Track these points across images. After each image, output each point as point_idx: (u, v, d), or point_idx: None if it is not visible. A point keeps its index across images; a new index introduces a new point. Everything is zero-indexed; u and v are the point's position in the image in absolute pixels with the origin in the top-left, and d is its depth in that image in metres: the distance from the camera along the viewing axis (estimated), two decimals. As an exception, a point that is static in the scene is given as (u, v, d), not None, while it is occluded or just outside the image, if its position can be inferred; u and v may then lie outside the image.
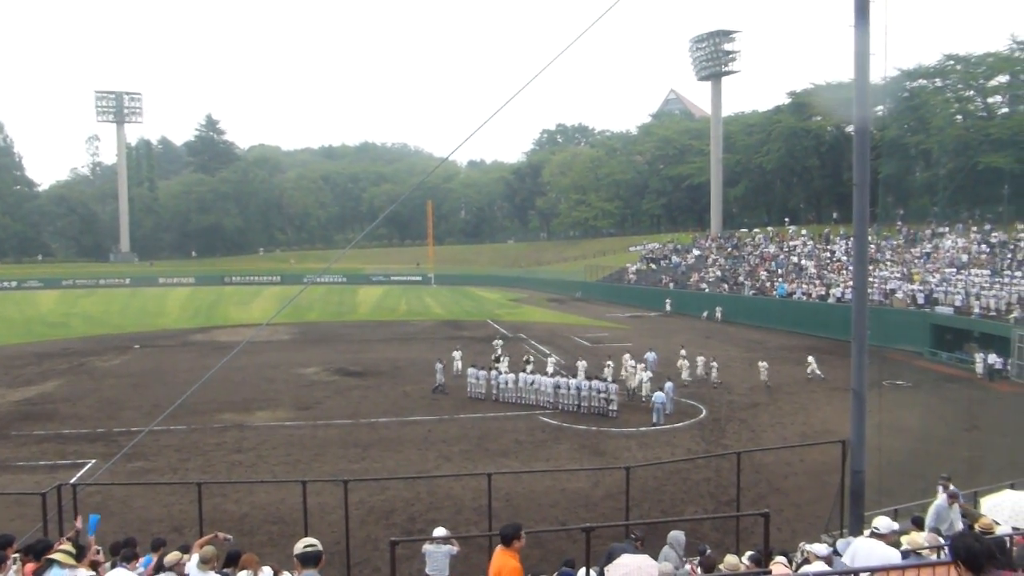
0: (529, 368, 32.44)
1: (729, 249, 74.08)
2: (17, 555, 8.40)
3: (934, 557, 7.90)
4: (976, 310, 40.12)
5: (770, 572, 8.64)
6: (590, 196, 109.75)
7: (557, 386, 29.51)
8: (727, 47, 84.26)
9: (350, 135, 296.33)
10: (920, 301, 44.19)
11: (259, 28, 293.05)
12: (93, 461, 22.21)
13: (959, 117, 67.48)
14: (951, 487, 13.02)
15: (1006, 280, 42.42)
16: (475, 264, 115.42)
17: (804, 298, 53.34)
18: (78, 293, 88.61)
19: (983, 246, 50.25)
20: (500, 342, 41.58)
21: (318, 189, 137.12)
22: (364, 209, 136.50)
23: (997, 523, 8.48)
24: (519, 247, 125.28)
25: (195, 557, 8.87)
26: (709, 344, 45.67)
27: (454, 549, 13.05)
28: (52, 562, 7.31)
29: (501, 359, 35.40)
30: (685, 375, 33.79)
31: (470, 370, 32.13)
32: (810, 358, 36.23)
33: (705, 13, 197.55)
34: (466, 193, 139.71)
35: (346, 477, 15.94)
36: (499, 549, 7.26)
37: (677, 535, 10.60)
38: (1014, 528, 8.15)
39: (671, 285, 70.09)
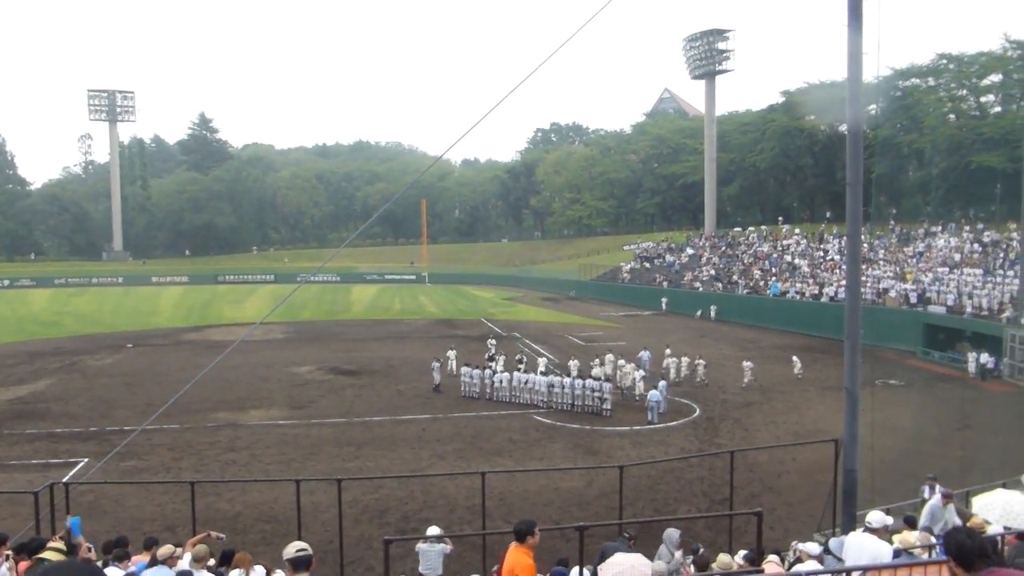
0: (522, 367, 32.48)
1: (723, 248, 74.21)
2: (9, 553, 8.38)
3: (926, 556, 7.93)
4: (968, 309, 40.28)
5: (763, 571, 8.67)
6: (584, 195, 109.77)
7: (551, 385, 29.53)
8: (721, 46, 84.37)
9: (344, 134, 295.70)
10: (913, 300, 44.34)
11: (252, 26, 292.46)
12: (86, 460, 22.14)
13: (952, 116, 67.68)
14: (937, 487, 13.10)
15: (998, 279, 42.56)
16: (469, 263, 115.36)
17: (797, 297, 53.48)
18: (71, 292, 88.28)
19: (975, 245, 50.41)
20: (494, 341, 41.60)
21: (312, 188, 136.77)
22: (358, 208, 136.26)
23: (988, 522, 8.52)
24: (513, 246, 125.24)
25: (187, 556, 8.86)
26: (703, 343, 45.77)
27: (448, 548, 13.06)
28: (43, 561, 7.30)
29: (496, 358, 35.41)
30: (673, 374, 33.78)
31: (464, 369, 32.13)
32: (794, 358, 36.37)
33: (699, 12, 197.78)
34: (460, 192, 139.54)
35: (340, 476, 15.92)
36: (513, 546, 7.27)
37: (671, 532, 10.63)
38: (1005, 527, 8.18)
39: (665, 284, 70.17)
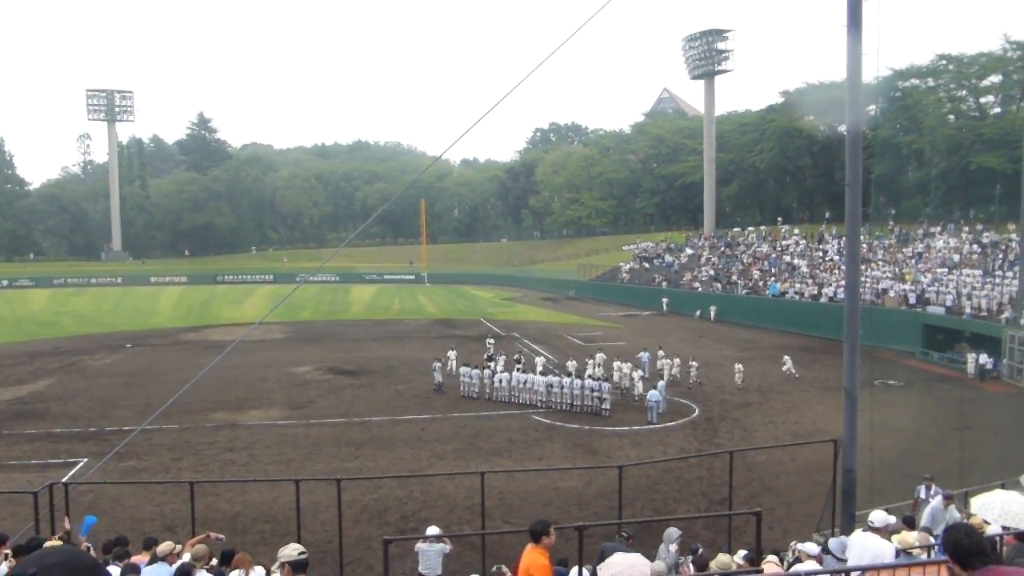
0: (518, 368, 32.48)
1: (722, 248, 74.22)
2: (8, 552, 8.38)
3: (924, 556, 7.93)
4: (967, 310, 40.30)
5: (762, 571, 8.67)
6: (583, 195, 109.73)
7: (550, 385, 29.53)
8: (720, 46, 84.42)
9: (343, 134, 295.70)
10: (912, 301, 44.36)
11: (251, 26, 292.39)
12: (85, 460, 22.14)
13: (951, 117, 67.72)
14: (935, 488, 13.12)
15: (997, 280, 42.59)
16: (468, 263, 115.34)
17: (797, 297, 53.48)
18: (69, 292, 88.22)
19: (975, 246, 50.45)
20: (492, 341, 41.58)
21: (311, 188, 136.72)
22: (357, 208, 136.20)
23: (987, 522, 8.51)
24: (512, 246, 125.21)
25: (187, 556, 8.87)
26: (702, 343, 45.84)
27: (447, 548, 13.07)
28: None
29: (495, 358, 35.40)
30: (666, 375, 33.66)
31: (463, 369, 32.14)
32: (785, 357, 36.38)
33: (698, 12, 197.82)
34: (459, 192, 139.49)
35: (339, 476, 15.93)
36: (529, 547, 7.28)
37: (671, 531, 10.66)
38: (1004, 527, 8.18)
39: (664, 284, 70.15)
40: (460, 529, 16.74)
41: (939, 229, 56.43)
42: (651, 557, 9.18)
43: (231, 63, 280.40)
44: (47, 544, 7.58)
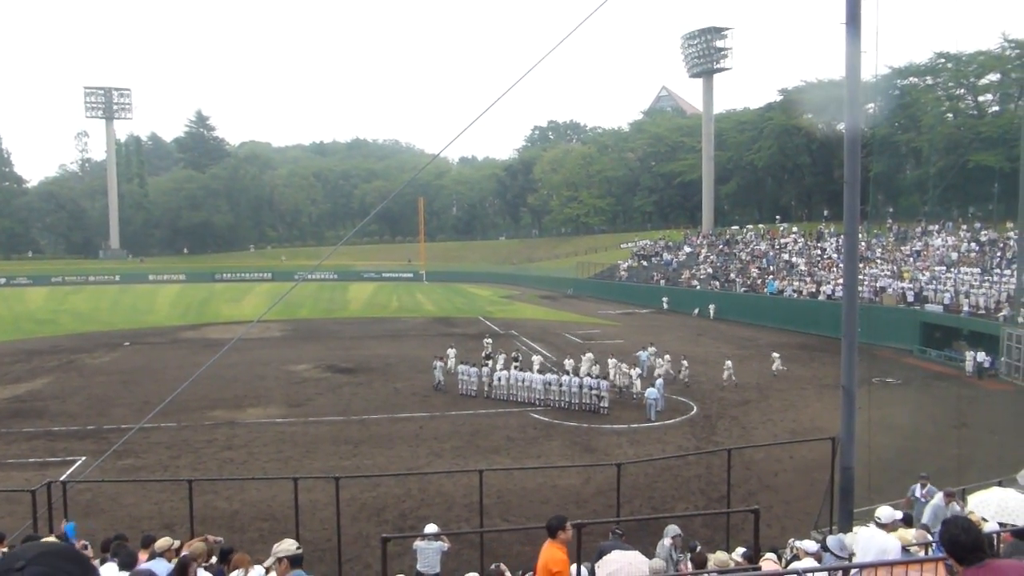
0: (515, 366, 32.47)
1: (720, 246, 74.24)
2: (6, 551, 8.37)
3: (922, 554, 7.95)
4: (965, 308, 40.34)
5: (760, 568, 8.69)
6: (582, 193, 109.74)
7: (548, 383, 29.53)
8: (719, 44, 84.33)
9: (341, 132, 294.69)
10: (910, 299, 44.40)
11: (250, 24, 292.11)
12: (83, 458, 22.13)
13: (950, 115, 67.75)
14: (930, 486, 13.12)
15: (995, 278, 42.66)
16: (467, 261, 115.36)
17: (795, 295, 53.53)
18: (67, 290, 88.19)
19: (973, 244, 50.53)
20: (490, 340, 41.52)
21: (309, 186, 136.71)
22: (355, 206, 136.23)
23: (985, 519, 8.54)
24: (511, 244, 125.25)
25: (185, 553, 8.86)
26: (700, 341, 45.91)
27: (445, 545, 13.09)
28: None
29: (494, 356, 35.39)
30: (657, 372, 33.58)
31: (461, 367, 32.12)
32: (775, 354, 36.41)
33: (697, 10, 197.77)
34: (458, 190, 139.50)
35: (337, 474, 15.94)
36: (547, 542, 7.36)
37: (670, 527, 10.67)
38: (1000, 524, 8.20)
39: (662, 282, 70.16)
40: (458, 527, 16.75)
41: (937, 227, 56.51)
42: (649, 555, 9.20)
43: (229, 61, 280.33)
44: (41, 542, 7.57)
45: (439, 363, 32.80)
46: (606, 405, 28.21)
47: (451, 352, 36.15)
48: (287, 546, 6.62)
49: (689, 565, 9.94)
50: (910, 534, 8.92)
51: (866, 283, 46.87)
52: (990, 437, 24.63)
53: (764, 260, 64.12)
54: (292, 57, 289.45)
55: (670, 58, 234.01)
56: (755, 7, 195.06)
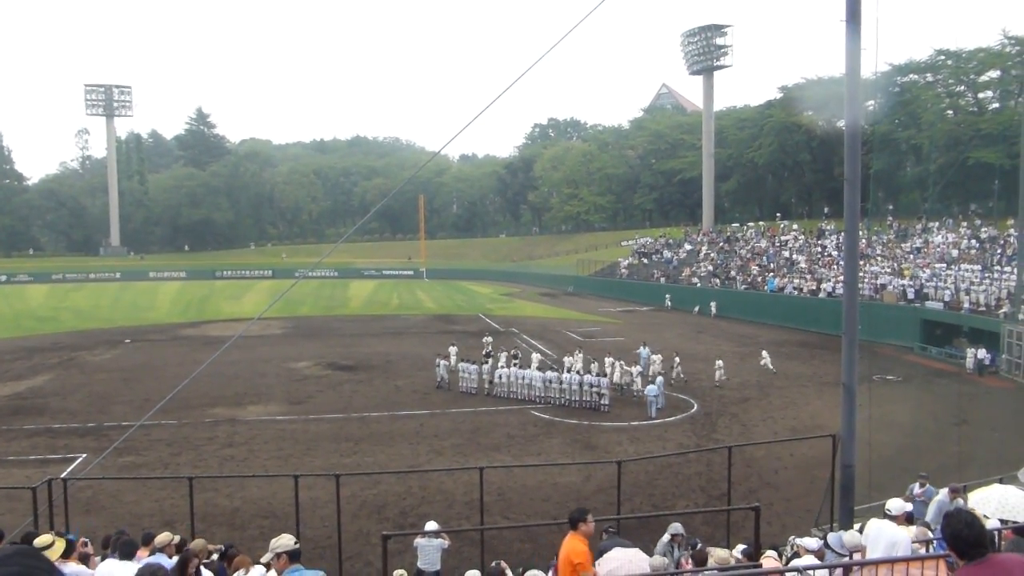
0: (515, 363, 32.46)
1: (721, 244, 74.22)
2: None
3: (923, 551, 7.95)
4: (966, 305, 40.33)
5: (760, 566, 8.69)
6: (582, 190, 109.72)
7: (548, 381, 29.53)
8: (719, 41, 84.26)
9: (341, 129, 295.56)
10: (910, 296, 44.39)
11: (250, 21, 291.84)
12: (84, 455, 22.15)
13: (950, 112, 67.66)
14: (928, 485, 13.11)
15: (996, 275, 42.63)
16: (467, 258, 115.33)
17: (795, 293, 53.51)
18: (68, 287, 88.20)
19: (973, 241, 50.49)
20: (490, 338, 41.49)
21: (309, 183, 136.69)
22: (356, 203, 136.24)
23: (986, 516, 8.54)
24: (511, 241, 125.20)
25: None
26: (701, 339, 45.91)
27: (445, 543, 13.12)
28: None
29: (495, 354, 35.36)
30: (651, 369, 33.50)
31: (461, 364, 32.11)
32: (764, 352, 36.43)
33: (697, 7, 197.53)
34: (458, 187, 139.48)
35: (338, 471, 15.96)
36: (569, 535, 7.43)
37: (673, 525, 10.69)
38: (1001, 521, 8.20)
39: (663, 280, 70.14)
40: (459, 525, 16.76)
41: (937, 224, 56.46)
42: (650, 552, 9.21)
43: (230, 58, 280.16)
44: (38, 540, 7.56)
45: (443, 361, 32.77)
46: (607, 402, 28.22)
47: (452, 350, 36.15)
48: (285, 541, 6.63)
49: (689, 563, 9.94)
50: (911, 531, 8.91)
51: (866, 280, 46.84)
52: (991, 434, 24.64)
53: (764, 257, 64.10)
54: (293, 54, 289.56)
55: (670, 55, 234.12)
56: (755, 4, 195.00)
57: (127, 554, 7.94)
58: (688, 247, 77.61)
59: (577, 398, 28.66)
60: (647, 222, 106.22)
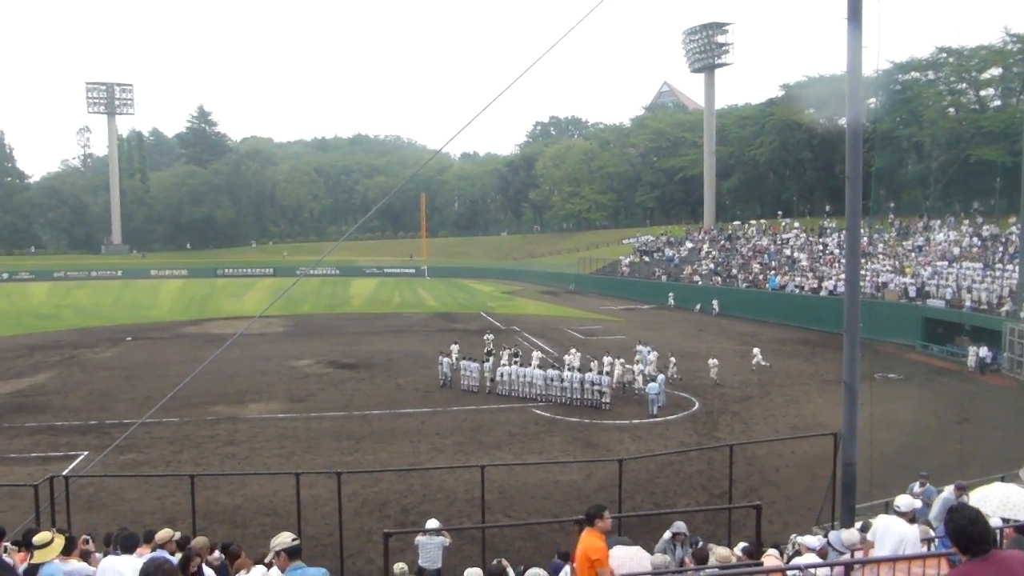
0: (515, 361, 32.45)
1: (722, 242, 74.15)
2: (7, 545, 8.39)
3: (925, 549, 7.95)
4: (967, 303, 40.29)
5: (762, 564, 8.69)
6: (583, 188, 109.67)
7: (549, 379, 29.53)
8: (720, 39, 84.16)
9: (343, 127, 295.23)
10: (912, 294, 44.33)
11: (251, 19, 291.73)
12: (85, 453, 22.19)
13: (951, 110, 67.58)
14: (928, 485, 13.10)
15: (997, 273, 42.57)
16: (468, 256, 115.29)
17: (797, 291, 53.47)
18: (69, 285, 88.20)
19: (975, 239, 50.42)
20: (491, 336, 41.48)
21: (311, 181, 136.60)
22: (357, 201, 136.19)
23: (988, 515, 8.54)
24: (512, 239, 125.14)
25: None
26: (702, 337, 45.90)
27: (447, 541, 13.13)
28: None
29: (498, 352, 35.35)
30: (647, 369, 33.43)
31: (463, 363, 32.11)
32: (755, 350, 36.39)
33: (698, 5, 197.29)
34: (459, 185, 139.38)
35: (339, 469, 15.95)
36: (586, 531, 7.44)
37: (676, 524, 10.70)
38: (1003, 519, 8.20)
39: (664, 278, 70.09)
40: (460, 522, 16.77)
41: (939, 222, 56.37)
42: (651, 551, 9.22)
43: (231, 56, 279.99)
44: (37, 537, 7.56)
45: (446, 359, 32.75)
46: (608, 401, 28.22)
47: (454, 348, 36.15)
48: (284, 539, 6.65)
49: (690, 561, 9.95)
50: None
51: (868, 278, 46.80)
52: (992, 432, 24.62)
53: (766, 256, 64.04)
54: (294, 53, 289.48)
55: (671, 53, 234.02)
56: (757, 2, 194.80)
57: (128, 548, 7.94)
58: (689, 245, 77.53)
59: (578, 396, 28.67)
60: (648, 220, 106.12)
